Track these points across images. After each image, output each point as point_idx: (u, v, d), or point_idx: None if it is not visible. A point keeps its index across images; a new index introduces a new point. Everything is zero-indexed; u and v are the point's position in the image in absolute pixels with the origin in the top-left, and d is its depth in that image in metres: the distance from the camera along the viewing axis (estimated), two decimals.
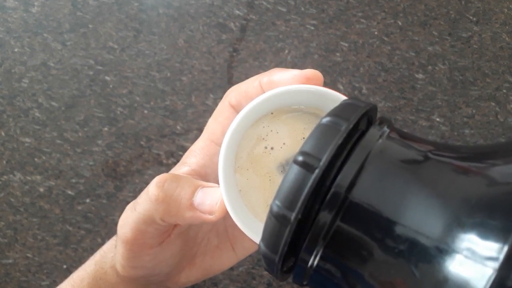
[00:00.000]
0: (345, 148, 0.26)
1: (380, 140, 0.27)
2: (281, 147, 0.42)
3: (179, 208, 0.41)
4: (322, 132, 0.27)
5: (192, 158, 0.46)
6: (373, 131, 0.27)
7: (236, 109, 0.43)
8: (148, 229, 0.43)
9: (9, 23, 1.02)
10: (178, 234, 0.45)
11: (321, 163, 0.25)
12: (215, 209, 0.40)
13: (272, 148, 0.42)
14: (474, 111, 0.97)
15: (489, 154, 0.27)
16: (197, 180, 0.42)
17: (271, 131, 0.42)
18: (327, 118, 0.27)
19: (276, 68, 0.42)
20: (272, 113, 0.42)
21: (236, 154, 0.42)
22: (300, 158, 0.26)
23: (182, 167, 0.45)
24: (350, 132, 0.27)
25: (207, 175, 0.45)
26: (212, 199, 0.40)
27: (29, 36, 1.01)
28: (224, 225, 0.50)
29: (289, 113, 0.41)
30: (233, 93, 0.44)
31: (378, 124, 0.28)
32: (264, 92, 0.40)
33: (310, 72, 0.40)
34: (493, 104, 0.97)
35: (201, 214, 0.40)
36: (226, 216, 0.40)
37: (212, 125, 0.45)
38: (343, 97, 0.37)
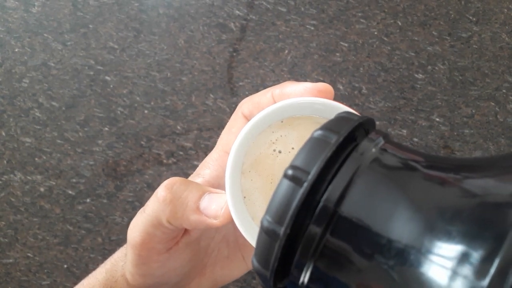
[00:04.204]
0: (336, 162, 0.26)
1: (372, 154, 0.27)
2: (289, 152, 0.42)
3: (185, 210, 0.41)
4: (312, 145, 0.27)
5: (206, 169, 0.46)
6: (365, 144, 0.27)
7: (249, 120, 0.43)
8: (156, 232, 0.43)
9: (10, 23, 1.02)
10: (187, 243, 0.46)
11: (310, 177, 0.25)
12: (220, 214, 0.40)
13: (280, 152, 0.42)
14: (473, 111, 0.97)
15: (483, 167, 0.27)
16: (206, 186, 0.43)
17: (281, 136, 0.42)
18: (318, 132, 0.27)
19: (289, 81, 0.43)
20: (282, 121, 0.42)
21: (243, 161, 0.42)
22: (290, 172, 0.26)
23: (196, 178, 0.45)
24: (342, 145, 0.27)
25: (220, 186, 0.45)
26: (217, 204, 0.41)
27: (30, 36, 1.02)
28: (235, 235, 0.50)
29: (300, 120, 0.42)
30: (246, 104, 0.44)
31: (371, 137, 0.28)
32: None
33: (321, 85, 0.40)
34: (493, 104, 0.97)
35: (205, 218, 0.41)
36: (236, 226, 0.40)
37: (226, 136, 0.45)
38: (352, 111, 0.37)
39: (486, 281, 0.20)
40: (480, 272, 0.21)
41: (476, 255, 0.21)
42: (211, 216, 0.41)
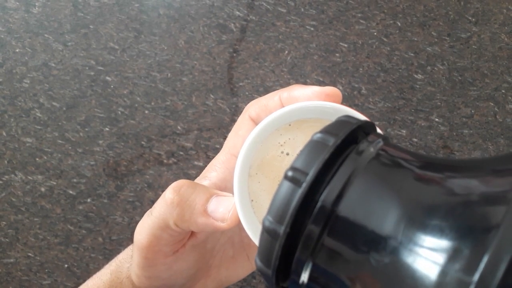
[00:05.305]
0: (335, 163, 0.27)
1: (369, 155, 0.27)
2: (297, 154, 0.43)
3: (193, 213, 0.41)
4: (312, 148, 0.27)
5: (213, 172, 0.46)
6: (363, 146, 0.28)
7: (256, 122, 0.44)
8: (163, 235, 0.43)
9: (10, 24, 1.03)
10: (193, 246, 0.46)
11: (308, 178, 0.26)
12: (227, 217, 0.41)
13: (287, 154, 0.42)
14: (473, 111, 0.97)
15: (477, 168, 0.27)
16: (213, 189, 0.43)
17: (289, 138, 0.42)
18: (318, 135, 0.28)
19: (296, 85, 0.43)
20: (290, 125, 0.42)
21: (251, 163, 0.42)
22: (290, 173, 0.26)
23: (203, 181, 0.46)
24: (341, 147, 0.27)
25: (227, 188, 0.45)
26: (225, 207, 0.41)
27: (30, 36, 1.02)
28: (240, 235, 0.50)
29: (308, 123, 0.42)
30: (253, 107, 0.44)
31: (370, 139, 0.29)
32: (283, 107, 0.41)
33: (329, 89, 0.40)
34: (492, 104, 0.98)
35: (213, 221, 0.41)
36: (242, 227, 0.41)
37: (233, 138, 0.45)
38: (359, 115, 0.38)
39: (475, 276, 0.21)
40: (470, 267, 0.21)
41: (466, 251, 0.22)
42: (219, 219, 0.41)
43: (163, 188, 0.93)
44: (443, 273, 0.22)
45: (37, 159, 0.95)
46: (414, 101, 0.97)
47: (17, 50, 1.01)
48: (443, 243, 0.23)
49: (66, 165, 0.95)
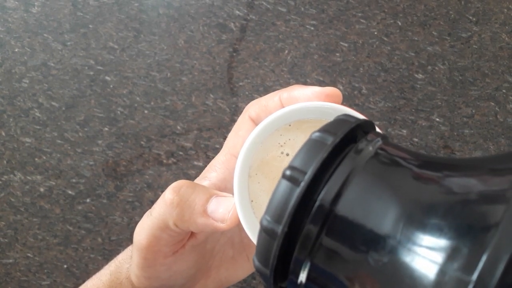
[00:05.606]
0: (334, 162, 0.27)
1: (368, 154, 0.27)
2: (295, 153, 0.42)
3: (192, 213, 0.41)
4: (310, 147, 0.27)
5: (213, 172, 0.46)
6: (362, 145, 0.28)
7: (256, 123, 0.44)
8: (162, 235, 0.43)
9: (10, 23, 1.03)
10: (193, 246, 0.46)
11: (306, 177, 0.25)
12: (227, 217, 0.41)
13: (287, 155, 0.42)
14: (473, 111, 0.97)
15: (476, 167, 0.27)
16: (213, 189, 0.43)
17: (289, 139, 0.42)
18: (316, 133, 0.28)
19: (297, 85, 0.43)
20: (290, 125, 0.42)
21: (251, 164, 0.42)
22: (288, 173, 0.26)
23: (203, 181, 0.46)
24: (340, 146, 0.27)
25: (227, 189, 0.45)
26: (225, 207, 0.41)
27: (30, 36, 1.02)
28: (240, 236, 0.50)
29: (308, 123, 0.42)
30: (253, 107, 0.44)
31: (369, 138, 0.29)
32: (283, 107, 0.41)
33: (329, 89, 0.40)
34: (493, 104, 0.97)
35: (213, 221, 0.41)
36: (242, 228, 0.40)
37: (233, 139, 0.45)
38: (359, 115, 0.37)
39: (474, 276, 0.20)
40: (468, 266, 0.21)
41: (465, 250, 0.22)
42: (219, 219, 0.41)
43: (162, 188, 0.93)
44: (442, 272, 0.22)
45: (36, 159, 0.95)
46: (414, 101, 0.97)
47: (16, 50, 1.01)
48: (442, 242, 0.22)
49: (65, 165, 0.95)
